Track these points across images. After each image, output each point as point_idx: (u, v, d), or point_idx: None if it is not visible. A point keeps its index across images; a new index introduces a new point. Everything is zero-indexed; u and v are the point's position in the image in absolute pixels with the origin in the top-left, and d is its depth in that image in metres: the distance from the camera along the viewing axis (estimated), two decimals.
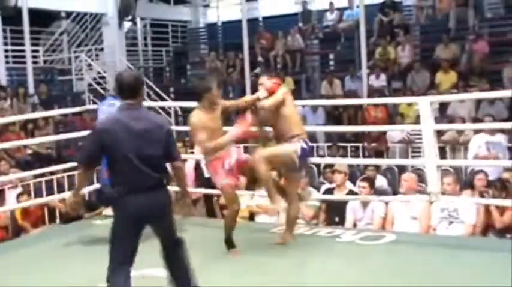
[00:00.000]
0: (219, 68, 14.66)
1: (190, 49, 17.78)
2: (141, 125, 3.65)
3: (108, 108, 6.20)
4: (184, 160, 3.98)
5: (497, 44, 12.39)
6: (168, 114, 11.33)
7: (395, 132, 9.87)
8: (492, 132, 8.59)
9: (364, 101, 10.58)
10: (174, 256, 3.88)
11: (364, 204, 6.66)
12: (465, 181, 7.68)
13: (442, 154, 8.58)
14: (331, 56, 14.49)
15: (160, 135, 3.71)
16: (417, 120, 6.07)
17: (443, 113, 10.73)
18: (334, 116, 11.79)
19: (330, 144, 10.02)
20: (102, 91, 13.79)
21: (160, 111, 12.24)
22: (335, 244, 5.44)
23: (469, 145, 8.84)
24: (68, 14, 15.85)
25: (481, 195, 6.12)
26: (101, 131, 3.70)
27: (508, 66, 11.27)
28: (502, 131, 8.78)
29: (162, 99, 13.63)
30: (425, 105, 5.69)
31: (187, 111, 7.46)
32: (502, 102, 10.45)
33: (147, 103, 12.61)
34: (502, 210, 5.98)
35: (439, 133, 7.95)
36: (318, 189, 7.50)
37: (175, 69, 17.00)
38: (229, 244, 5.25)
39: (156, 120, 3.78)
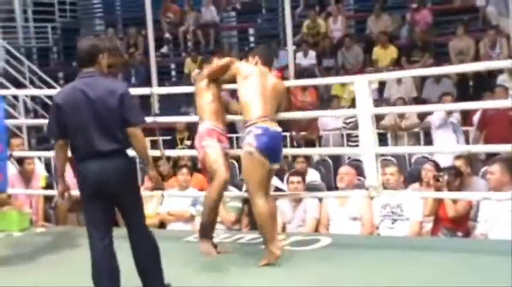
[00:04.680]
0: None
1: (82, 25, 17.40)
2: (96, 93, 4.25)
3: None
4: None
5: (442, 13, 12.70)
6: None
7: (328, 119, 9.93)
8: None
9: (290, 83, 10.58)
10: (138, 247, 4.34)
11: (295, 203, 6.70)
12: (410, 173, 7.82)
13: (383, 142, 8.72)
14: (251, 31, 14.52)
15: (113, 101, 4.24)
16: (353, 103, 6.07)
17: (381, 94, 10.93)
18: None
19: None
20: None
21: (47, 100, 11.97)
22: (260, 252, 5.40)
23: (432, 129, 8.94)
24: None
25: (437, 189, 6.18)
26: (58, 100, 4.35)
27: (454, 39, 11.58)
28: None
29: (49, 86, 13.27)
30: (362, 85, 5.61)
31: None
32: (449, 79, 10.73)
33: (27, 91, 12.35)
34: (454, 200, 6.09)
35: (377, 118, 8.07)
36: (239, 188, 7.48)
37: (65, 50, 16.64)
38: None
39: (109, 87, 4.31)
